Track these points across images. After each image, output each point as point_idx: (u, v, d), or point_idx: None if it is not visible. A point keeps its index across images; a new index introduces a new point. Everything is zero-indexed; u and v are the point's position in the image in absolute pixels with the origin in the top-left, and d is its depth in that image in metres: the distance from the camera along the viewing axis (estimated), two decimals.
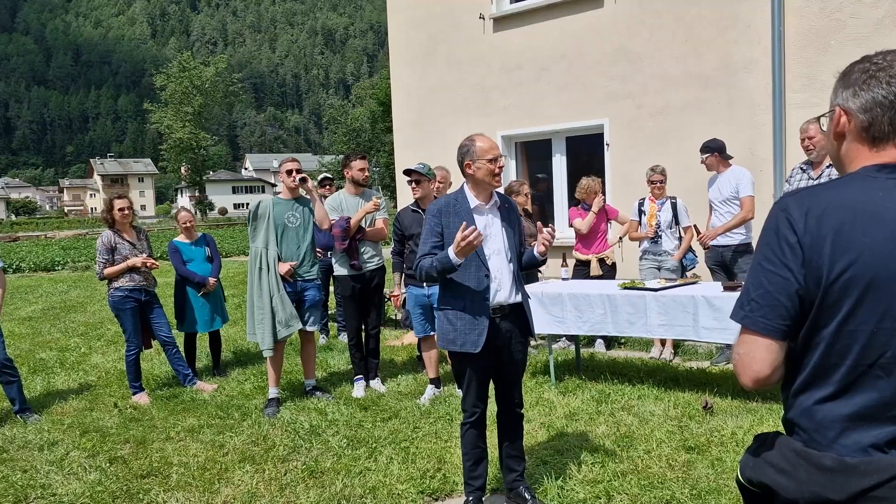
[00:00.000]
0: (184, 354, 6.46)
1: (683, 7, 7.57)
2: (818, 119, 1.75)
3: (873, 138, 1.51)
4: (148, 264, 5.95)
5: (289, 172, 5.51)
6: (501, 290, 3.44)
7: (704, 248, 6.24)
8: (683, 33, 7.60)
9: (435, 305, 5.41)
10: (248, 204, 64.10)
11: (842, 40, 6.69)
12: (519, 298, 3.52)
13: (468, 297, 3.40)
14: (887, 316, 1.40)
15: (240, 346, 7.90)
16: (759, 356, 1.50)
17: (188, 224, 6.61)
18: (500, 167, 3.42)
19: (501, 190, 4.58)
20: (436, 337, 3.73)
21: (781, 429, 1.61)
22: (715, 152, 6.18)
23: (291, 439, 4.81)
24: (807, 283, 1.45)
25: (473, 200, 3.45)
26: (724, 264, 6.19)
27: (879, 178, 1.47)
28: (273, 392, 5.58)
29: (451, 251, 3.23)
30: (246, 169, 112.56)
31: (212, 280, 6.51)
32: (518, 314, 3.54)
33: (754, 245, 6.21)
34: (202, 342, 7.11)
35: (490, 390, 3.61)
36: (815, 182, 5.25)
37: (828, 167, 5.21)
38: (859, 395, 1.44)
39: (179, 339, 6.63)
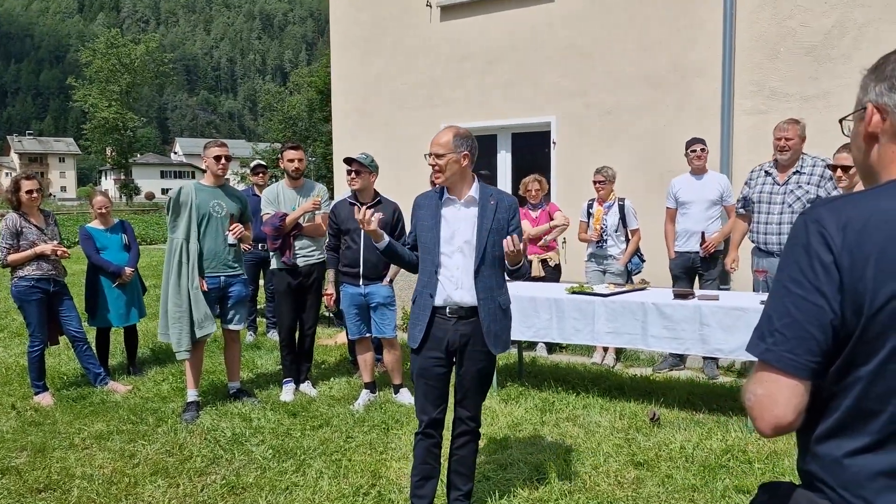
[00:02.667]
0: (95, 351, 5.93)
1: (637, 6, 7.42)
2: (840, 122, 1.50)
3: None
4: (58, 252, 5.40)
5: (217, 159, 5.06)
6: (460, 288, 3.18)
7: (706, 254, 5.84)
8: (636, 33, 7.46)
9: (371, 305, 5.15)
10: None
11: (791, 48, 6.66)
12: (474, 302, 3.19)
13: (419, 290, 3.27)
14: None
15: (159, 342, 7.33)
16: (783, 399, 1.23)
17: (104, 209, 6.06)
18: (431, 165, 3.19)
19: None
20: None
21: (779, 474, 1.35)
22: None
23: (211, 449, 4.40)
24: (843, 311, 1.19)
25: (446, 194, 3.26)
26: (694, 271, 6.04)
27: None
28: (192, 395, 5.13)
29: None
30: (175, 153, 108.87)
31: (128, 270, 5.99)
32: (477, 320, 3.22)
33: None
34: (116, 337, 6.56)
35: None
36: (781, 188, 5.11)
37: (794, 173, 5.07)
38: None
39: (91, 334, 6.06)
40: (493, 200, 3.25)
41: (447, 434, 3.39)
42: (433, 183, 3.41)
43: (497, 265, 3.22)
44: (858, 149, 1.39)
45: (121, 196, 68.29)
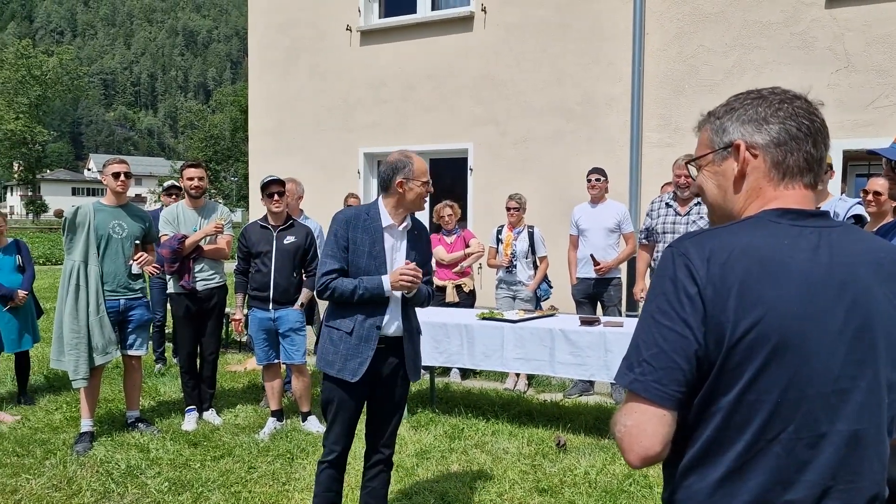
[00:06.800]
0: None
1: (550, 40, 7.63)
2: (687, 164, 1.55)
3: (783, 175, 1.32)
4: None
5: (115, 175, 4.87)
6: (395, 318, 3.15)
7: (599, 275, 6.00)
8: (549, 65, 7.66)
9: (281, 331, 5.03)
10: None
11: (695, 85, 6.98)
12: (401, 332, 3.18)
13: (359, 320, 3.09)
14: (793, 384, 1.19)
15: (54, 369, 6.95)
16: (651, 430, 1.24)
17: None
18: (430, 192, 3.18)
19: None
20: (316, 356, 3.27)
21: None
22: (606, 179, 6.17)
23: (102, 482, 4.17)
24: (707, 342, 1.21)
25: (387, 219, 3.15)
26: (594, 297, 6.17)
27: (783, 224, 1.28)
28: (86, 425, 4.87)
29: (386, 280, 3.04)
30: (89, 170, 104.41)
31: (21, 293, 5.66)
32: (401, 350, 3.20)
33: (623, 278, 6.24)
34: (8, 364, 6.17)
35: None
36: (683, 218, 5.30)
37: (695, 205, 5.26)
38: (755, 476, 1.22)
39: None
40: (416, 230, 3.29)
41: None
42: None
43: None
44: (721, 187, 1.41)
45: (27, 213, 65.00)
